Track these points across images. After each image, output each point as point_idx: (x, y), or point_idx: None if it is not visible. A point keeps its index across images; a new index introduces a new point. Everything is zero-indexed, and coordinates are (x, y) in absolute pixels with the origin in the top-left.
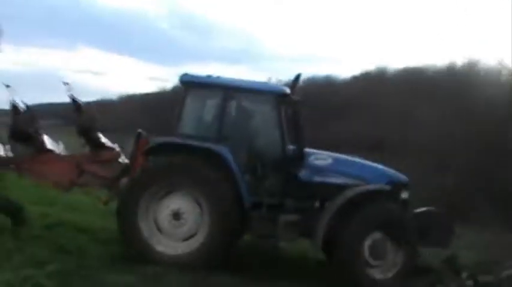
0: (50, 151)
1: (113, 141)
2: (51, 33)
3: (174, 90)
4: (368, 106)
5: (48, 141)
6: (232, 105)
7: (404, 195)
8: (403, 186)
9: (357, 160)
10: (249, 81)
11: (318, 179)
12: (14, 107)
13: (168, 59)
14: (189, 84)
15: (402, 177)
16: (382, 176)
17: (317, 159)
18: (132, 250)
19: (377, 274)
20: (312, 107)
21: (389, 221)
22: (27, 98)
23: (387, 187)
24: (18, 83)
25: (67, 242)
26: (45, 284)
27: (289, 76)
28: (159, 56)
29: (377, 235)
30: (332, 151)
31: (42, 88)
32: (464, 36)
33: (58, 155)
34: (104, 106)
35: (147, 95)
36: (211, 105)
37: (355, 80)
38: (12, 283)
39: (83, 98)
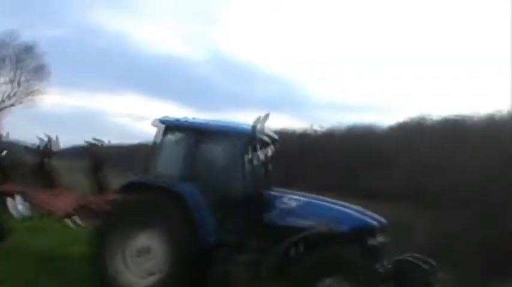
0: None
1: None
2: (99, 77)
3: None
4: (407, 156)
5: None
6: (202, 146)
7: (375, 240)
8: (372, 231)
9: (328, 202)
10: (219, 123)
11: (282, 220)
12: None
13: (208, 105)
14: (167, 126)
15: (374, 222)
16: (349, 220)
17: (285, 200)
18: (99, 281)
19: None
20: (351, 155)
21: (341, 266)
22: (72, 138)
23: (343, 230)
24: (64, 124)
25: None
26: None
27: (331, 124)
28: (199, 102)
29: (332, 281)
30: (367, 200)
31: (87, 129)
32: (506, 85)
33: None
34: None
35: None
36: (183, 146)
37: (395, 129)
38: None
39: (127, 141)
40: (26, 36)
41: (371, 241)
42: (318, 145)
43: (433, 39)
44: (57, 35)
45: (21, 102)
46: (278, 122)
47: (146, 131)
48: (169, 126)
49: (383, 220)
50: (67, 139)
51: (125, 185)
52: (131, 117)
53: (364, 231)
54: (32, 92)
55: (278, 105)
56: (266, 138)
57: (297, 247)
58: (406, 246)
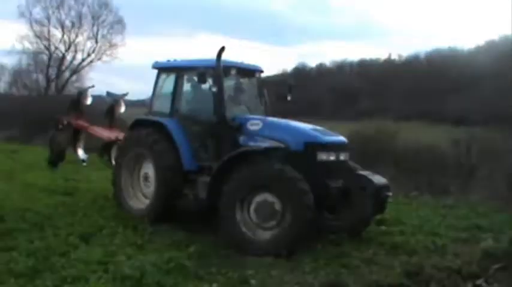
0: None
1: None
2: (172, 22)
3: (295, 70)
4: (497, 76)
5: None
6: (181, 84)
7: (328, 157)
8: (324, 147)
9: (285, 122)
10: (195, 60)
11: (247, 143)
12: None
13: (287, 40)
14: (157, 69)
15: (329, 138)
16: (300, 137)
17: (251, 124)
18: (115, 201)
19: (268, 235)
20: (436, 79)
21: (272, 181)
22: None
23: (279, 147)
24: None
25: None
26: (187, 264)
27: (409, 51)
28: (277, 38)
29: (263, 196)
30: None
31: None
32: None
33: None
34: None
35: (269, 77)
36: (168, 85)
37: (480, 50)
38: (158, 264)
39: None
40: None
41: (322, 157)
42: (401, 71)
43: None
44: None
45: (100, 58)
46: (356, 52)
47: None
48: (159, 69)
49: (342, 138)
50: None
51: (132, 123)
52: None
53: (315, 147)
54: (111, 46)
55: (355, 35)
56: (234, 70)
57: (239, 165)
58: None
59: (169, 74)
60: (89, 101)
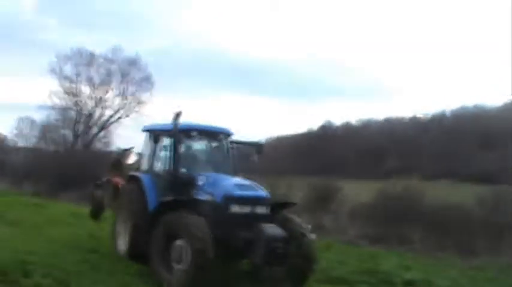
0: None
1: (261, 182)
2: (202, 82)
3: (321, 129)
4: None
5: None
6: (155, 144)
7: (243, 209)
8: (235, 200)
9: (220, 178)
10: (165, 124)
11: (197, 196)
12: None
13: (312, 100)
14: (144, 131)
15: (240, 193)
16: (221, 191)
17: (200, 180)
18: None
19: (177, 276)
20: (463, 137)
21: (181, 230)
22: None
23: (215, 200)
24: None
25: None
26: None
27: (435, 109)
28: (302, 97)
29: (179, 241)
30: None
31: None
32: None
33: None
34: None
35: (293, 136)
36: (148, 146)
37: (506, 107)
38: None
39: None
40: (129, 50)
41: (236, 209)
42: (427, 130)
43: None
44: (158, 45)
45: (127, 115)
46: (381, 111)
47: (253, 130)
48: (145, 131)
49: (260, 193)
50: None
51: (128, 176)
52: (233, 119)
53: (230, 200)
54: (139, 103)
55: (372, 94)
56: (195, 133)
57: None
58: None
59: (149, 136)
60: (131, 160)
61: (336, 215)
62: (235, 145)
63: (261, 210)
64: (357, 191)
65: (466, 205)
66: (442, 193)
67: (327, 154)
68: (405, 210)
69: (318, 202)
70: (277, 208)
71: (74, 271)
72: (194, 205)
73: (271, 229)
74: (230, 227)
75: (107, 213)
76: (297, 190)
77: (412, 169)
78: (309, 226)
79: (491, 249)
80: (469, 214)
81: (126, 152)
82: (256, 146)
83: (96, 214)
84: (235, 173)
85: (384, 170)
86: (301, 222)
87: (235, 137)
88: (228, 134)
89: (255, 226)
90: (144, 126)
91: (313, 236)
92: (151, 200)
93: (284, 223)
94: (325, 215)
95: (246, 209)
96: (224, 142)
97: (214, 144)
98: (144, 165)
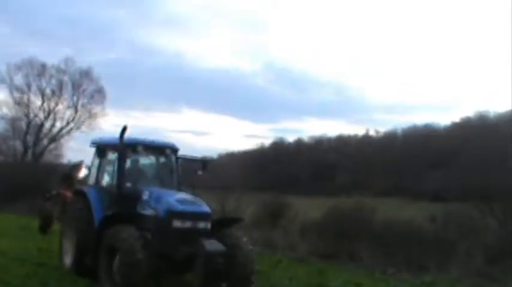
0: None
1: (212, 199)
2: (155, 95)
3: (273, 146)
4: (470, 153)
5: None
6: (100, 159)
7: (184, 224)
8: (177, 215)
9: (163, 193)
10: (111, 138)
11: (141, 211)
12: None
13: (265, 116)
14: (91, 145)
15: (182, 208)
16: (164, 206)
17: (144, 195)
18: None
19: None
20: (413, 155)
21: (116, 242)
22: None
23: (156, 214)
24: None
25: None
26: None
27: (387, 127)
28: (256, 113)
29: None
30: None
31: None
32: None
33: None
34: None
35: (245, 152)
36: (96, 160)
37: (455, 127)
38: None
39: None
40: (82, 61)
41: (177, 224)
42: (378, 148)
43: (491, 35)
44: (111, 58)
45: (79, 127)
46: (335, 127)
47: (207, 146)
48: (92, 145)
49: (202, 209)
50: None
51: (74, 192)
52: (191, 133)
53: (172, 215)
54: (91, 116)
55: (333, 111)
56: (140, 147)
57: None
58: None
59: (96, 150)
60: (82, 173)
61: (286, 232)
62: (180, 161)
63: (203, 225)
64: (308, 208)
65: (417, 222)
66: (393, 210)
67: (278, 170)
68: (356, 227)
69: (269, 218)
70: (224, 223)
71: (20, 284)
72: (138, 220)
73: (212, 244)
74: (173, 242)
75: (56, 226)
76: (248, 205)
77: (363, 186)
78: (246, 239)
79: (441, 265)
80: (420, 231)
81: (76, 165)
82: (202, 162)
83: (45, 227)
84: (180, 188)
85: (335, 187)
86: (242, 236)
87: (185, 152)
88: (173, 150)
89: (196, 241)
90: (92, 140)
91: (252, 248)
92: (97, 214)
93: (226, 238)
94: (276, 232)
95: (188, 224)
96: (170, 157)
97: (160, 159)
98: (91, 179)
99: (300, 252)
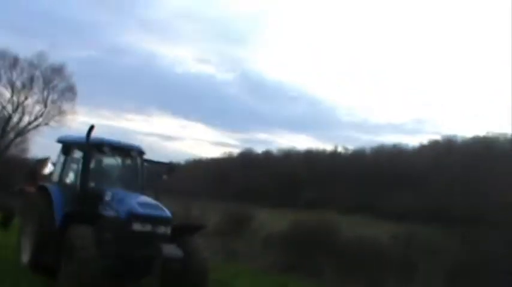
0: None
1: (176, 205)
2: (126, 97)
3: (242, 156)
4: (436, 176)
5: None
6: (65, 157)
7: (143, 227)
8: (137, 218)
9: (126, 195)
10: (78, 136)
11: (103, 211)
12: None
13: (235, 125)
14: (59, 142)
15: (143, 211)
16: (125, 208)
17: (106, 196)
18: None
19: None
20: (380, 174)
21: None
22: None
23: (117, 216)
24: None
25: None
26: None
27: (358, 144)
28: (226, 122)
29: None
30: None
31: None
32: None
33: None
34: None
35: (213, 160)
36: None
37: (423, 149)
38: None
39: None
40: (55, 57)
41: (137, 227)
42: (347, 165)
43: (462, 57)
44: (85, 56)
45: (47, 123)
46: (304, 142)
47: (175, 151)
48: (59, 142)
49: (163, 213)
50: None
51: (37, 187)
52: (159, 137)
53: (132, 218)
54: (60, 113)
55: (304, 125)
56: (107, 148)
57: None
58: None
59: (62, 147)
60: (47, 170)
61: (249, 242)
62: (146, 164)
63: (163, 230)
64: (273, 220)
65: (380, 241)
66: (357, 227)
67: (245, 180)
68: (319, 241)
69: (232, 228)
70: (186, 230)
71: None
72: (99, 220)
73: (169, 249)
74: (131, 244)
75: (17, 222)
76: (212, 214)
77: (329, 201)
78: (204, 247)
79: (401, 284)
80: (382, 250)
81: (42, 161)
82: (167, 166)
83: (5, 222)
84: (143, 191)
85: (301, 201)
86: (200, 244)
87: (153, 156)
88: (140, 152)
89: (155, 245)
90: (58, 137)
91: (208, 257)
92: (58, 212)
93: (184, 245)
94: (239, 242)
95: (148, 228)
96: (135, 160)
97: (125, 161)
98: (55, 176)
99: (262, 263)
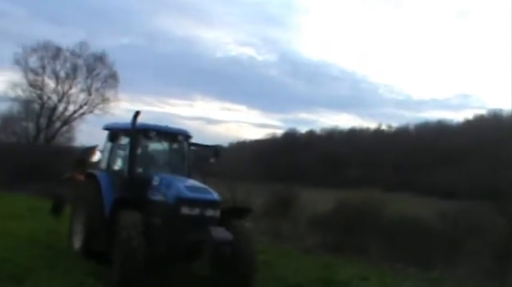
0: None
1: (222, 188)
2: (168, 82)
3: (285, 136)
4: (481, 151)
5: None
6: (114, 143)
7: (192, 211)
8: (185, 202)
9: (173, 179)
10: (124, 123)
11: (151, 196)
12: None
13: (278, 106)
14: (105, 129)
15: (191, 195)
16: (173, 193)
17: (154, 181)
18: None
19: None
20: (425, 151)
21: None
22: None
23: (166, 201)
24: None
25: None
26: None
27: (400, 122)
28: (269, 103)
29: None
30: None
31: None
32: None
33: None
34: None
35: (257, 141)
36: (108, 144)
37: (468, 124)
38: None
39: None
40: (96, 46)
41: (185, 211)
42: (391, 142)
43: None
44: (125, 43)
45: (91, 111)
46: (347, 120)
47: (218, 134)
48: (105, 129)
49: (211, 196)
50: None
51: (86, 175)
52: (203, 121)
53: (181, 202)
54: (104, 100)
55: (345, 104)
56: (154, 133)
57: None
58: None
59: (109, 134)
60: (95, 158)
61: (295, 223)
62: (193, 148)
63: (212, 213)
64: (318, 200)
65: (426, 218)
66: (402, 205)
67: (289, 161)
68: (364, 220)
69: (277, 209)
70: (234, 213)
71: (29, 266)
72: (147, 205)
73: (219, 233)
74: (180, 229)
75: (68, 210)
76: (257, 196)
77: (373, 180)
78: (253, 230)
79: (448, 262)
80: (428, 228)
81: (90, 149)
82: (214, 150)
83: (57, 210)
84: (190, 175)
85: (345, 180)
86: (249, 226)
87: (196, 140)
88: (187, 136)
89: (204, 229)
90: (105, 125)
91: (256, 240)
92: (107, 198)
93: (233, 227)
94: (284, 223)
95: (196, 212)
96: (182, 144)
97: (172, 145)
98: (103, 163)
99: (308, 244)
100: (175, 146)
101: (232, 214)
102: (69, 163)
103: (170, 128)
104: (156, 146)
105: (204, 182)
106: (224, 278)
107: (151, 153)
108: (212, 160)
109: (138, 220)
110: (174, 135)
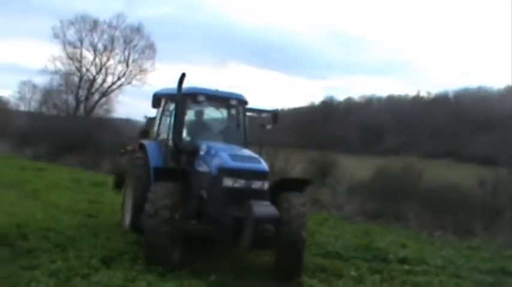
0: None
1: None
2: (203, 51)
3: (323, 104)
4: None
5: None
6: (162, 110)
7: (236, 183)
8: (228, 172)
9: (219, 148)
10: (169, 88)
11: (197, 167)
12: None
13: (315, 73)
14: (154, 96)
15: (234, 164)
16: (216, 163)
17: (201, 150)
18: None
19: None
20: (464, 118)
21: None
22: None
23: (209, 171)
24: None
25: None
26: None
27: (438, 88)
28: (306, 70)
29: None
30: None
31: None
32: None
33: None
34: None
35: (295, 109)
36: (158, 112)
37: (509, 91)
38: None
39: None
40: (132, 17)
41: (228, 183)
42: (430, 109)
43: None
44: (161, 13)
45: (129, 82)
46: (385, 87)
47: (255, 102)
48: (156, 96)
49: (258, 166)
50: None
51: (138, 146)
52: (239, 89)
53: (223, 172)
54: (142, 71)
55: (384, 70)
56: (202, 97)
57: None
58: None
59: (159, 102)
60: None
61: (334, 190)
62: (248, 114)
63: (258, 185)
64: (356, 167)
65: (465, 186)
66: (441, 172)
67: (327, 128)
68: (403, 188)
69: (316, 176)
70: (289, 185)
71: (72, 235)
72: (191, 177)
73: (263, 208)
74: (222, 203)
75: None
76: (296, 163)
77: (412, 147)
78: (304, 202)
79: (488, 230)
80: (468, 195)
81: (153, 120)
82: (272, 115)
83: (118, 183)
84: (246, 144)
85: (384, 147)
86: (302, 202)
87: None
88: (241, 101)
89: (247, 204)
90: (155, 91)
91: (305, 213)
92: (153, 170)
93: (283, 202)
94: (323, 190)
95: (241, 184)
96: (236, 110)
97: (225, 111)
98: (154, 133)
99: (346, 211)
100: (228, 112)
101: (287, 186)
102: (132, 135)
103: (222, 92)
104: (207, 112)
105: (259, 152)
106: (272, 255)
107: (202, 120)
108: (269, 126)
109: (169, 193)
110: (227, 100)
